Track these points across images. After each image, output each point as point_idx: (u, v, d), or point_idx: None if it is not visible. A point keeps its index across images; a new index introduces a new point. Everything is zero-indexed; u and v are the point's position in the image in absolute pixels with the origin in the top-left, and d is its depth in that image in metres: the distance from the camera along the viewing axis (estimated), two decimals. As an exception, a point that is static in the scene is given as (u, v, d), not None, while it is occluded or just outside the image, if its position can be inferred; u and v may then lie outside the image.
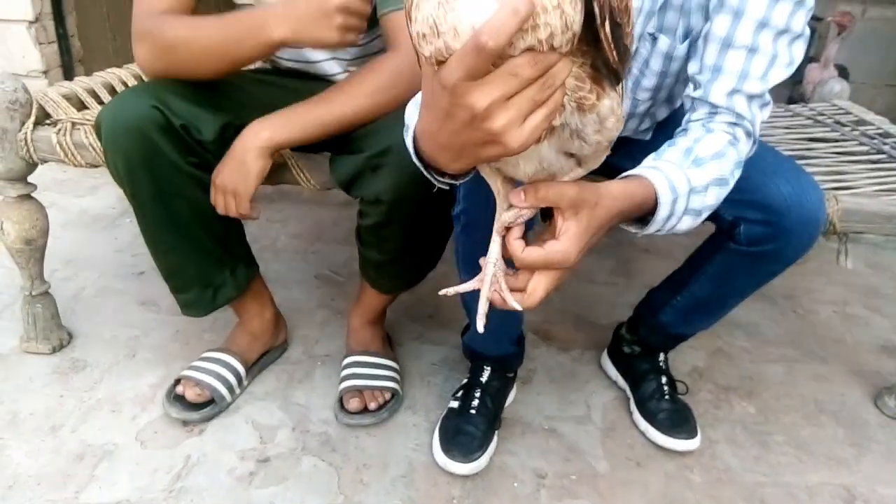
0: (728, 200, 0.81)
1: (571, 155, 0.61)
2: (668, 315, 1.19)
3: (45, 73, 2.33)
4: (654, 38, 0.94)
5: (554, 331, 1.54)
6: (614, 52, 0.52)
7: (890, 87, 3.15)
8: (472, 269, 1.07)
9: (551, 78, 0.50)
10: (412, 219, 1.05)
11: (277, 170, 1.14)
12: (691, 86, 0.89)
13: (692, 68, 0.89)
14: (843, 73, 2.87)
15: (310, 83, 1.18)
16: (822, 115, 1.68)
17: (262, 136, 0.99)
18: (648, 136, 1.15)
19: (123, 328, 1.43)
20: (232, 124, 1.04)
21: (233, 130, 1.04)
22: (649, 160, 0.78)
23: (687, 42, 0.92)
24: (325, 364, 1.37)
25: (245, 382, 1.27)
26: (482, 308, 0.67)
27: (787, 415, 1.32)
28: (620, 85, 0.59)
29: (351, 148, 1.04)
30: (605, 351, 1.40)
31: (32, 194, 1.22)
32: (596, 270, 1.82)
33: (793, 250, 0.97)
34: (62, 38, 2.38)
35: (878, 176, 1.30)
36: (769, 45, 0.83)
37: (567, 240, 0.62)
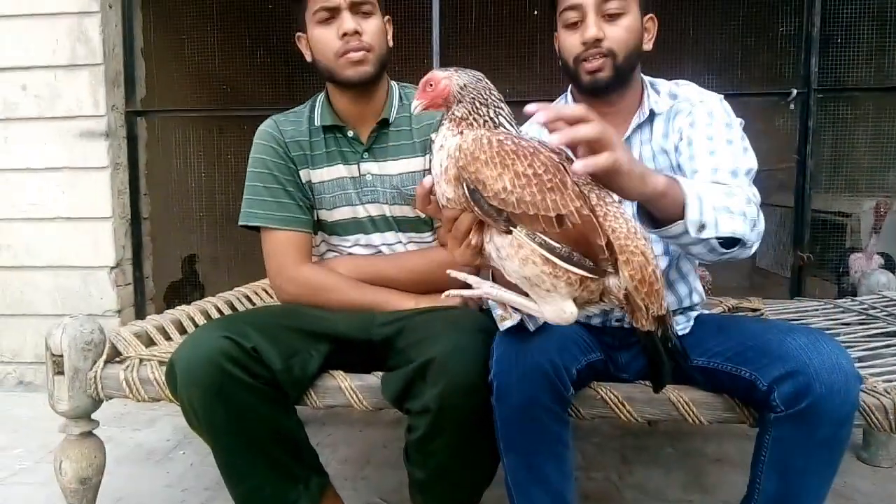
0: (759, 368, 0.98)
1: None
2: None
3: (118, 311, 2.51)
4: None
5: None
6: (472, 205, 0.86)
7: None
8: (515, 448, 1.06)
9: (458, 223, 0.89)
10: (458, 430, 1.05)
11: (330, 392, 1.17)
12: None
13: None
14: (888, 260, 2.88)
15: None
16: (874, 307, 1.66)
17: None
18: (688, 329, 1.20)
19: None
20: (298, 356, 1.13)
21: (298, 362, 1.13)
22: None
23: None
24: None
25: None
26: (507, 301, 0.93)
27: None
28: (514, 234, 0.85)
29: (398, 362, 1.11)
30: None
31: (93, 430, 1.25)
32: (664, 486, 1.68)
33: (830, 403, 0.94)
34: (138, 280, 2.61)
35: (952, 368, 1.23)
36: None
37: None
